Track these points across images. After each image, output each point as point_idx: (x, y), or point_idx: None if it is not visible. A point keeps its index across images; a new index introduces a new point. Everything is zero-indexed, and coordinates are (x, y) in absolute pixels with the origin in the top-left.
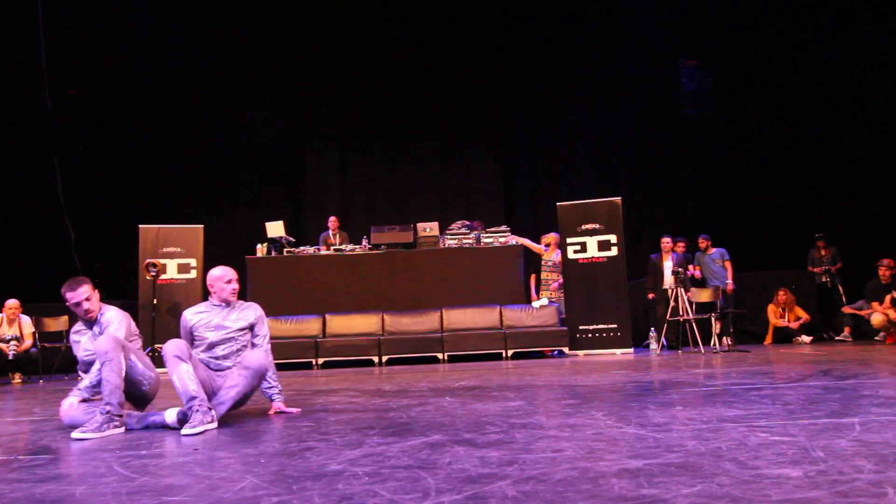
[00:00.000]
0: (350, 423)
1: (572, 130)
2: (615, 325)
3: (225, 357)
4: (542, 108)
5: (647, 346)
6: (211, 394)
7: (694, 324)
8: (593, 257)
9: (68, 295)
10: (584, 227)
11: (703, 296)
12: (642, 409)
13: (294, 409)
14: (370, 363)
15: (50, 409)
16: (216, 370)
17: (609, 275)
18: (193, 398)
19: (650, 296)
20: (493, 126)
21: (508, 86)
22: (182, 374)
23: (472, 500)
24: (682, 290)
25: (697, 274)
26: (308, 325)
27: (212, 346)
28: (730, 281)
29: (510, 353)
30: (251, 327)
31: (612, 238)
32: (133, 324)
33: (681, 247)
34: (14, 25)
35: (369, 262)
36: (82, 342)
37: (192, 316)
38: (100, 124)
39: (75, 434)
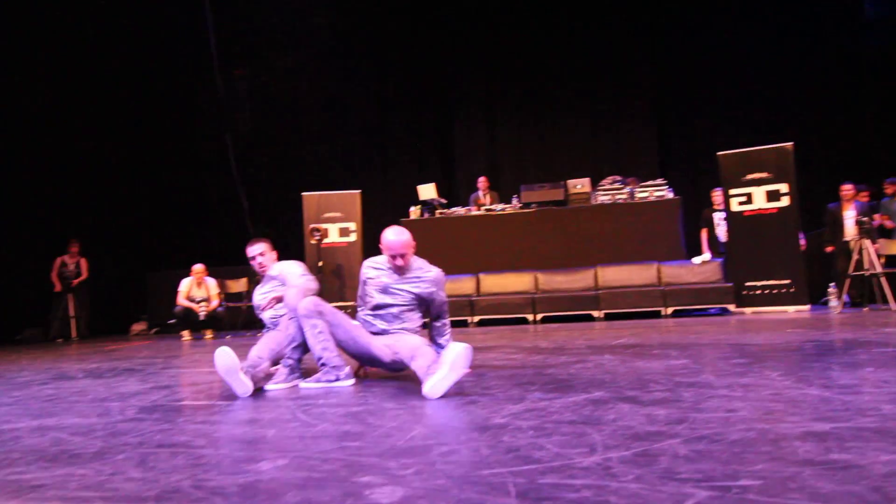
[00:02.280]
0: (510, 378)
1: (732, 72)
2: (788, 281)
3: (385, 320)
4: (697, 47)
5: (826, 303)
6: (361, 354)
7: (882, 279)
8: (760, 209)
9: (248, 250)
10: (749, 176)
11: (893, 247)
12: (825, 369)
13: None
14: (524, 321)
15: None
16: (375, 332)
17: (779, 227)
18: (319, 358)
19: (828, 249)
20: (645, 72)
21: (660, 24)
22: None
23: (642, 457)
24: (868, 241)
25: (888, 224)
26: (462, 285)
27: (376, 308)
28: None
29: (669, 310)
30: (422, 299)
31: (783, 187)
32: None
33: (864, 195)
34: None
35: (520, 220)
36: (255, 294)
37: (366, 269)
38: (263, 102)
39: (269, 385)
